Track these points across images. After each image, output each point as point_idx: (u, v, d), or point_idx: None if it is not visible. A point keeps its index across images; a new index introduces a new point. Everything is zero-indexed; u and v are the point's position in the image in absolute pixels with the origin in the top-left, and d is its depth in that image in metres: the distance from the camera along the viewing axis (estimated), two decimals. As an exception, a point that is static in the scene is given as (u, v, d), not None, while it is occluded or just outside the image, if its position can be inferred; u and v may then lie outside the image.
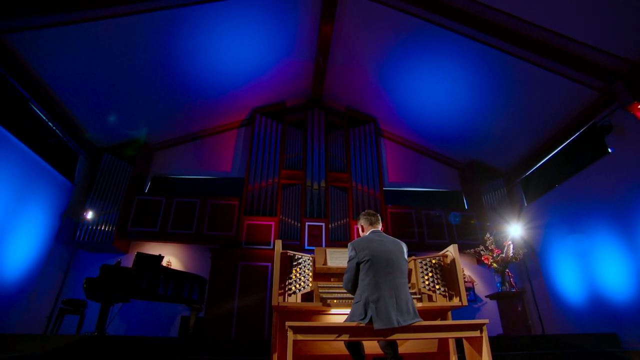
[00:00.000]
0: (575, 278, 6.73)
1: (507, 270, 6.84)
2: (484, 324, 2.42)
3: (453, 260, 3.06)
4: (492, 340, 4.68)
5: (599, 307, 6.13)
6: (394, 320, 2.32)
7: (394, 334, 2.32)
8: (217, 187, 8.93)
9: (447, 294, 3.02)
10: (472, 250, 7.21)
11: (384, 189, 9.00)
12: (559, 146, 7.34)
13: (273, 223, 7.95)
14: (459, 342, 3.06)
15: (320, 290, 2.97)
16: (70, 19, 5.46)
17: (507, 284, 6.77)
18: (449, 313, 3.13)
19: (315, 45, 8.00)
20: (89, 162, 8.00)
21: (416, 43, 6.96)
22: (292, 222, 8.05)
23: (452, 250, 3.10)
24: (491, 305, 7.89)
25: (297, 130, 9.49)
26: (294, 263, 3.00)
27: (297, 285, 2.92)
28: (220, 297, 7.10)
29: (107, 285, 5.04)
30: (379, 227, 2.90)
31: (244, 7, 6.55)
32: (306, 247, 7.81)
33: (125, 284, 5.12)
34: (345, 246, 2.82)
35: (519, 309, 6.59)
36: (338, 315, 3.06)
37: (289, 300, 2.85)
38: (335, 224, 8.18)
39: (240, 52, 7.44)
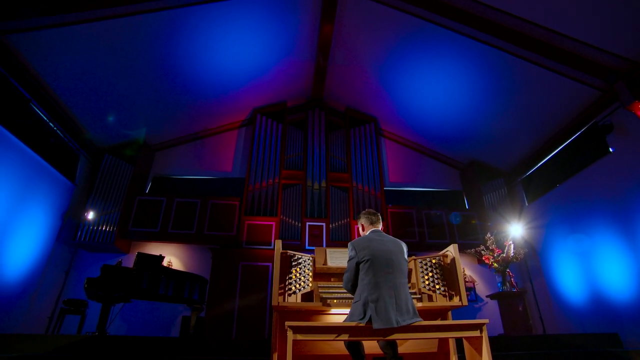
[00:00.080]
0: (576, 278, 6.72)
1: (508, 270, 6.83)
2: (483, 324, 2.42)
3: (453, 260, 3.06)
4: (493, 340, 4.68)
5: (600, 307, 6.11)
6: (393, 320, 2.32)
7: (393, 333, 2.32)
8: (217, 187, 8.94)
9: (447, 293, 3.02)
10: (472, 250, 7.20)
11: (384, 188, 9.00)
12: (559, 146, 7.33)
13: (274, 223, 7.96)
14: (459, 342, 3.06)
15: (320, 290, 2.97)
16: (71, 20, 5.47)
17: (507, 284, 6.76)
18: (449, 313, 3.12)
19: (316, 45, 8.00)
20: (90, 162, 8.02)
21: (416, 43, 6.96)
22: (293, 222, 8.06)
23: (452, 250, 3.09)
24: (492, 305, 7.88)
25: (297, 130, 9.50)
26: (294, 263, 3.00)
27: (297, 285, 2.92)
28: (221, 297, 7.10)
29: (108, 285, 5.05)
30: (380, 226, 2.90)
31: (244, 8, 6.56)
32: (307, 247, 7.81)
33: (126, 284, 5.13)
34: (346, 246, 2.82)
35: (520, 308, 6.58)
36: (338, 315, 3.06)
37: (289, 300, 2.85)
38: (336, 224, 8.18)
39: (240, 52, 7.45)
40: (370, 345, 2.86)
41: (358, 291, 2.55)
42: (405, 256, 2.72)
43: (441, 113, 8.36)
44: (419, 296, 3.04)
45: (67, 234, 7.29)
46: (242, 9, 6.56)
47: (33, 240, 6.37)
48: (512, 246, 6.83)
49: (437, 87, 7.75)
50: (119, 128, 7.85)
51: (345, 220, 8.24)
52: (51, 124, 6.62)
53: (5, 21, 5.12)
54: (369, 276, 2.51)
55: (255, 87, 8.62)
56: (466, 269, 8.50)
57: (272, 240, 7.65)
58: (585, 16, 5.22)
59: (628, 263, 5.61)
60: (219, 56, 7.36)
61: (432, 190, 9.60)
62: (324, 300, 2.91)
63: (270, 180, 8.41)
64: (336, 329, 2.32)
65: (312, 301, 2.92)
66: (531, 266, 8.07)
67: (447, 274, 3.09)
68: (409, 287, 2.93)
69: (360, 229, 2.99)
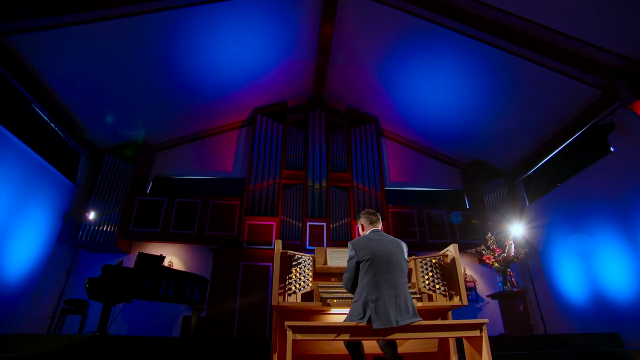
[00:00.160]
0: (578, 278, 6.71)
1: (509, 270, 6.82)
2: (483, 324, 2.42)
3: (453, 260, 3.06)
4: (494, 340, 4.68)
5: (601, 307, 6.10)
6: (392, 320, 2.32)
7: (393, 333, 2.32)
8: (218, 188, 8.94)
9: (447, 293, 3.02)
10: (473, 249, 7.19)
11: (385, 188, 8.99)
12: (560, 145, 7.31)
13: (274, 223, 7.96)
14: (459, 341, 3.06)
15: (320, 290, 2.98)
16: (71, 20, 5.48)
17: (508, 284, 6.76)
18: (449, 313, 3.13)
19: (316, 45, 8.00)
20: (91, 162, 8.03)
21: (417, 42, 6.95)
22: (294, 222, 8.06)
23: (452, 250, 3.09)
24: (493, 305, 7.87)
25: (298, 130, 9.50)
26: (294, 263, 3.01)
27: (297, 285, 2.92)
28: (222, 297, 7.11)
29: (109, 285, 5.06)
30: (379, 226, 2.90)
31: (245, 8, 6.56)
32: (307, 247, 7.81)
33: (127, 284, 5.14)
34: (346, 246, 2.82)
35: (521, 308, 6.58)
36: (338, 315, 3.07)
37: (288, 300, 2.86)
38: (337, 223, 8.18)
39: (241, 53, 7.45)
40: (370, 345, 2.86)
41: (358, 291, 2.55)
42: (405, 256, 2.72)
43: (442, 113, 8.35)
44: (419, 296, 3.04)
45: (68, 234, 7.31)
46: (242, 9, 6.56)
47: (34, 241, 6.38)
48: (512, 246, 6.82)
49: (437, 86, 7.75)
50: (119, 128, 7.87)
51: (346, 220, 8.24)
52: (52, 125, 6.64)
53: (6, 22, 5.13)
54: (368, 276, 2.52)
55: (255, 87, 8.63)
56: (467, 269, 8.49)
57: (273, 240, 7.65)
58: (586, 15, 5.20)
59: (629, 263, 5.59)
60: (220, 56, 7.37)
61: (433, 190, 9.59)
62: (323, 300, 2.91)
63: (271, 180, 8.41)
64: (336, 329, 2.32)
65: (312, 301, 2.92)
66: (532, 266, 8.06)
67: (447, 274, 3.09)
68: (409, 287, 2.93)
69: (360, 229, 2.99)
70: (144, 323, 7.28)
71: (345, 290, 2.83)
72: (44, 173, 6.51)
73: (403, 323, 2.34)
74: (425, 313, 3.06)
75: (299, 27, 7.48)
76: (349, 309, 2.59)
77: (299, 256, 3.04)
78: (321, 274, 3.19)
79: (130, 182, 7.96)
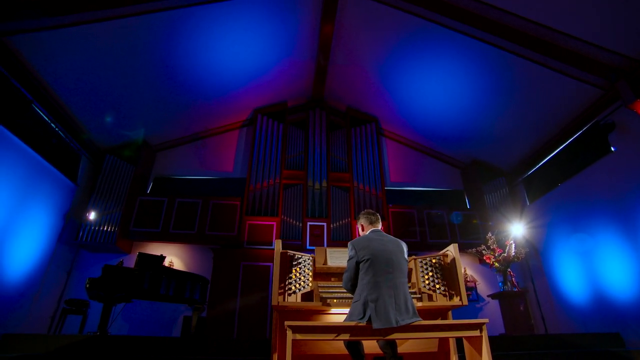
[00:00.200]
0: (578, 277, 6.69)
1: (509, 270, 6.82)
2: (483, 324, 2.42)
3: (453, 260, 3.06)
4: (494, 340, 4.67)
5: (602, 307, 6.09)
6: (392, 320, 2.32)
7: (392, 333, 2.32)
8: (218, 188, 8.95)
9: (447, 293, 3.02)
10: (474, 249, 7.19)
11: (385, 188, 8.99)
12: (561, 145, 7.30)
13: (275, 223, 7.96)
14: (459, 341, 3.05)
15: (320, 290, 2.98)
16: (72, 21, 5.49)
17: (509, 284, 6.76)
18: (450, 312, 3.12)
19: (316, 45, 8.00)
20: (92, 163, 8.04)
21: (417, 42, 6.95)
22: (294, 222, 8.06)
23: (452, 250, 3.09)
24: (493, 305, 7.86)
25: (298, 130, 9.50)
26: (294, 263, 3.01)
27: (297, 285, 2.93)
28: (223, 297, 7.12)
29: (109, 285, 5.06)
30: (379, 226, 2.90)
31: (245, 8, 6.56)
32: (308, 247, 7.81)
33: (127, 284, 5.14)
34: (346, 246, 2.83)
35: (521, 308, 6.57)
36: (338, 315, 3.07)
37: (288, 300, 2.86)
38: (337, 223, 8.18)
39: (241, 53, 7.46)
40: (370, 345, 2.86)
41: (358, 291, 2.55)
42: (405, 256, 2.72)
43: (442, 112, 8.35)
44: (419, 296, 3.04)
45: (69, 234, 7.32)
46: (242, 9, 6.56)
47: (35, 241, 6.39)
48: (513, 246, 6.82)
49: (438, 86, 7.74)
50: (120, 128, 7.88)
51: (346, 220, 8.24)
52: (53, 125, 6.65)
53: (6, 22, 5.14)
54: (368, 276, 2.52)
55: (255, 87, 8.63)
56: (467, 269, 8.48)
57: (273, 240, 7.64)
58: (586, 14, 5.19)
59: (630, 262, 5.58)
60: (220, 56, 7.37)
61: (433, 190, 9.59)
62: (323, 300, 2.91)
63: (271, 180, 8.42)
64: (336, 329, 2.32)
65: (312, 301, 2.92)
66: (533, 266, 8.05)
67: (447, 274, 3.09)
68: (409, 287, 2.93)
69: (360, 230, 3.00)
70: (145, 323, 7.28)
71: (344, 290, 2.83)
72: (44, 173, 6.52)
73: (403, 323, 2.34)
74: (425, 313, 3.06)
75: (299, 27, 7.48)
76: (348, 309, 2.59)
77: (299, 256, 3.04)
78: (321, 274, 3.20)
79: (131, 182, 7.97)
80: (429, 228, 8.41)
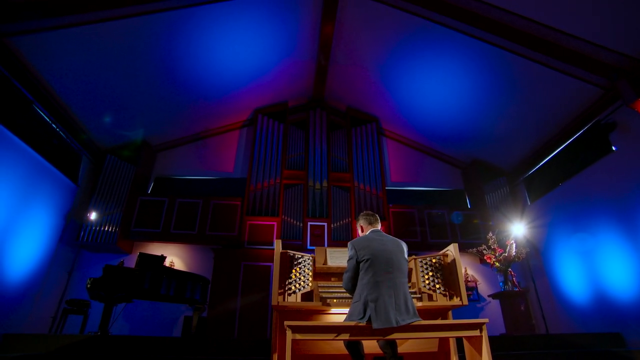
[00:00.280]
0: (579, 277, 6.68)
1: (510, 270, 6.81)
2: (483, 323, 2.41)
3: (453, 260, 3.05)
4: (495, 340, 4.67)
5: (603, 307, 6.08)
6: (392, 320, 2.31)
7: (392, 333, 2.32)
8: (219, 188, 8.95)
9: (447, 293, 3.01)
10: (474, 249, 7.18)
11: (386, 188, 8.99)
12: (562, 144, 7.28)
13: (275, 223, 7.96)
14: (459, 341, 3.05)
15: (320, 290, 2.98)
16: (73, 22, 5.50)
17: (509, 283, 6.74)
18: (450, 312, 3.12)
19: (317, 45, 8.00)
20: (92, 163, 8.06)
21: (417, 42, 6.94)
22: (295, 222, 8.06)
23: (452, 250, 3.09)
24: (494, 305, 7.85)
25: (299, 130, 9.50)
26: (294, 263, 3.01)
27: (297, 285, 2.93)
28: (223, 297, 7.12)
29: (109, 285, 5.07)
30: (378, 226, 2.90)
31: (245, 8, 6.57)
32: (308, 247, 7.81)
33: (127, 284, 5.15)
34: (347, 246, 2.83)
35: (522, 308, 6.57)
36: (338, 315, 3.07)
37: (288, 300, 2.86)
38: (338, 223, 8.18)
39: (241, 53, 7.46)
40: (370, 345, 2.86)
41: (357, 291, 2.55)
42: (406, 256, 2.72)
43: (443, 112, 8.34)
44: (419, 296, 3.03)
45: (70, 234, 7.33)
46: (242, 9, 6.57)
47: (36, 241, 6.41)
48: (514, 245, 6.81)
49: (438, 86, 7.73)
50: (120, 129, 7.89)
51: (347, 220, 8.24)
52: (53, 125, 6.66)
53: (7, 23, 5.15)
54: (368, 275, 2.52)
55: (256, 87, 8.63)
56: (468, 269, 8.47)
57: (274, 240, 7.65)
58: (586, 13, 5.18)
59: (631, 262, 5.57)
60: (220, 56, 7.37)
61: (434, 190, 9.58)
62: (323, 300, 2.91)
63: (272, 180, 8.42)
64: (336, 329, 2.32)
65: (312, 301, 2.92)
66: (533, 265, 8.03)
67: (448, 274, 3.08)
68: (409, 287, 2.93)
69: (360, 231, 3.00)
70: (145, 323, 7.29)
71: (344, 290, 2.83)
72: (45, 173, 6.53)
73: (403, 323, 2.34)
74: (425, 313, 3.05)
75: (300, 27, 7.49)
76: (348, 309, 2.59)
77: (299, 256, 3.05)
78: (321, 274, 3.20)
79: (132, 183, 7.98)
80: (429, 228, 8.41)
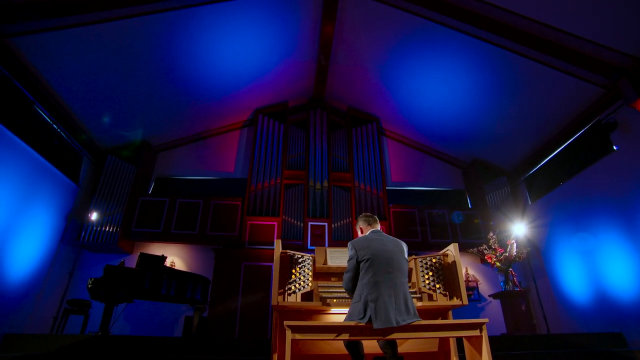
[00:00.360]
0: (581, 277, 6.67)
1: (511, 269, 6.80)
2: (483, 323, 2.41)
3: (453, 259, 3.05)
4: (495, 340, 4.67)
5: (605, 306, 6.06)
6: (393, 320, 2.31)
7: (392, 333, 2.31)
8: (220, 188, 8.96)
9: (447, 293, 3.01)
10: (475, 249, 7.18)
11: (386, 188, 8.98)
12: (563, 144, 7.27)
13: (276, 223, 7.97)
14: (460, 341, 3.05)
15: (320, 290, 2.98)
16: (73, 22, 5.51)
17: (510, 283, 6.73)
18: (450, 312, 3.12)
19: (317, 45, 8.00)
20: (93, 163, 8.07)
21: (417, 42, 6.94)
22: (295, 222, 8.06)
23: (452, 250, 3.09)
24: (495, 305, 7.84)
25: (299, 130, 9.50)
26: (294, 263, 3.01)
27: (297, 285, 2.93)
28: (224, 297, 7.13)
29: (110, 285, 5.08)
30: (378, 227, 2.91)
31: (245, 8, 6.57)
32: (309, 247, 7.81)
33: (128, 284, 5.16)
34: (347, 245, 2.83)
35: (523, 308, 6.55)
36: (338, 315, 3.07)
37: (288, 300, 2.86)
38: (338, 223, 8.18)
39: (241, 53, 7.47)
40: (370, 345, 2.86)
41: (357, 291, 2.55)
42: (406, 255, 2.72)
43: (443, 112, 8.33)
44: (419, 295, 3.03)
45: (71, 234, 7.34)
46: (242, 10, 6.57)
47: (37, 241, 6.42)
48: (514, 245, 6.80)
49: (438, 86, 7.73)
50: (121, 129, 7.90)
51: (348, 220, 8.24)
52: (54, 126, 6.67)
53: (8, 24, 5.17)
54: (368, 275, 2.51)
55: (256, 87, 8.64)
56: (469, 269, 8.46)
57: (275, 240, 7.65)
58: (587, 13, 5.17)
59: (633, 262, 5.56)
60: (220, 57, 7.38)
61: (435, 190, 9.57)
62: (323, 300, 2.91)
63: (273, 180, 8.42)
64: (336, 329, 2.32)
65: (312, 301, 2.92)
66: (534, 265, 8.02)
67: (448, 274, 3.08)
68: (409, 287, 2.92)
69: (360, 232, 3.00)
70: (146, 323, 7.30)
71: (344, 290, 2.83)
72: (46, 174, 6.55)
73: (403, 323, 2.33)
74: (426, 313, 3.05)
75: (300, 27, 7.49)
76: (348, 309, 2.59)
77: (299, 256, 3.05)
78: (321, 274, 3.20)
79: (132, 183, 7.99)
80: (430, 228, 8.40)
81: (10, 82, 5.67)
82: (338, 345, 2.92)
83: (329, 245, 7.67)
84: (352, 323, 2.36)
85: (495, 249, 6.83)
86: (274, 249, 7.34)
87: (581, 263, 6.65)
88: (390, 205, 8.65)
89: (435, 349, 3.12)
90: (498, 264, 6.76)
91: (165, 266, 5.79)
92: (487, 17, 5.73)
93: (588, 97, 6.34)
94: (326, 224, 8.11)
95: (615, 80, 5.64)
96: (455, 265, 3.00)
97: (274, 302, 2.79)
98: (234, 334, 6.85)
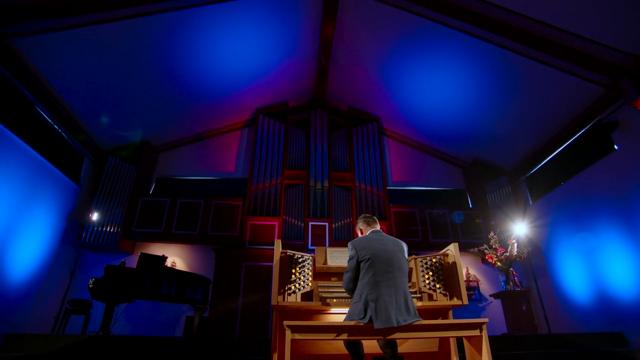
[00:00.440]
0: (582, 277, 6.65)
1: (512, 269, 6.80)
2: (483, 323, 2.41)
3: (454, 259, 3.05)
4: (496, 340, 4.66)
5: (606, 306, 6.05)
6: (393, 320, 2.31)
7: (393, 333, 2.31)
8: (220, 188, 8.96)
9: (447, 293, 3.01)
10: (476, 249, 7.17)
11: (387, 188, 8.97)
12: (563, 144, 7.26)
13: (276, 223, 7.97)
14: (460, 341, 3.05)
15: (320, 290, 2.98)
16: (74, 23, 5.52)
17: (511, 283, 6.73)
18: (450, 312, 3.12)
19: (317, 45, 8.00)
20: (94, 164, 8.08)
21: (418, 42, 6.93)
22: (296, 222, 8.06)
23: (452, 249, 3.08)
24: (496, 305, 7.83)
25: (300, 130, 9.50)
26: (294, 263, 3.01)
27: (297, 285, 2.93)
28: (225, 297, 7.13)
29: (111, 285, 5.09)
30: (377, 227, 2.91)
31: (246, 8, 6.57)
32: (310, 247, 7.81)
33: (129, 285, 5.17)
34: (347, 246, 2.83)
35: (524, 308, 6.54)
36: (338, 315, 3.07)
37: (288, 300, 2.86)
38: (339, 223, 8.18)
39: (242, 53, 7.47)
40: (370, 345, 2.86)
41: (358, 291, 2.55)
42: (406, 255, 2.72)
43: (444, 112, 8.32)
44: (420, 295, 3.03)
45: (72, 235, 7.35)
46: (243, 10, 6.57)
47: (38, 241, 6.43)
48: (515, 245, 6.79)
49: (439, 86, 7.72)
50: (122, 130, 7.91)
51: (348, 220, 8.23)
52: (55, 126, 6.68)
53: (8, 25, 5.18)
54: (368, 275, 2.51)
55: (257, 87, 8.64)
56: (470, 268, 8.45)
57: (275, 240, 7.65)
58: (588, 12, 5.16)
59: (634, 262, 5.54)
60: (221, 57, 7.38)
61: (435, 190, 9.56)
62: (323, 300, 2.91)
63: (273, 181, 8.42)
64: (335, 328, 2.32)
65: (312, 301, 2.92)
66: (535, 265, 8.01)
67: (448, 273, 3.08)
68: (410, 287, 2.92)
69: (359, 234, 3.00)
70: (147, 323, 7.31)
71: (344, 290, 2.83)
72: (47, 174, 6.56)
73: (404, 323, 2.33)
74: (426, 312, 3.05)
75: (300, 27, 7.49)
76: (348, 309, 2.59)
77: (299, 256, 3.05)
78: (321, 274, 3.20)
79: (133, 183, 7.99)
80: (431, 227, 8.40)
81: (11, 82, 5.69)
82: (338, 345, 2.92)
83: (330, 245, 7.67)
84: (352, 323, 2.36)
85: (496, 249, 6.82)
86: (274, 249, 7.39)
87: (582, 263, 6.64)
88: (391, 205, 8.64)
89: (436, 349, 3.11)
90: (499, 263, 6.75)
91: (166, 266, 5.80)
92: (488, 16, 5.72)
93: (589, 96, 6.32)
94: (327, 224, 8.11)
95: (616, 80, 5.62)
96: (456, 265, 3.00)
97: (273, 302, 2.79)
98: (234, 334, 6.85)
